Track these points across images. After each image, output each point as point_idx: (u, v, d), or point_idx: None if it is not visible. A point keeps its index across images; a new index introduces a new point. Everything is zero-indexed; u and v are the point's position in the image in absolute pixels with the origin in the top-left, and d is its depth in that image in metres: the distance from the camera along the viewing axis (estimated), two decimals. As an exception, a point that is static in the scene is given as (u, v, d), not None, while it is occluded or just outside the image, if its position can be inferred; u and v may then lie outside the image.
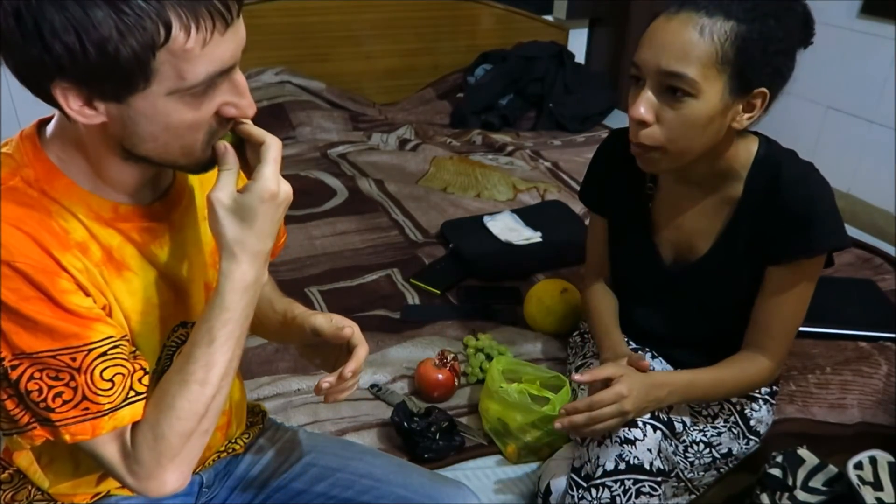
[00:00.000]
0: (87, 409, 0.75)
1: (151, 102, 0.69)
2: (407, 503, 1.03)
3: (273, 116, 2.69)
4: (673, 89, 1.01)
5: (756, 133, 1.16)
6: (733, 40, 0.98)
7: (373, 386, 1.42)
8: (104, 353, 0.74)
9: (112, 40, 0.63)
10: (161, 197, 0.84)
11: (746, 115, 1.05)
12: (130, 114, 0.69)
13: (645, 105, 1.03)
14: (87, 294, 0.74)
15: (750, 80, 1.02)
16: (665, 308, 1.30)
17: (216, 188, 0.76)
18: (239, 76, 0.74)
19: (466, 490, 1.09)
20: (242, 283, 0.77)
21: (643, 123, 1.04)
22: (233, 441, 1.07)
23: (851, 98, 2.74)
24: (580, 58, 3.30)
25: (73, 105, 0.68)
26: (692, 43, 0.98)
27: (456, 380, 1.40)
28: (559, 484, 1.17)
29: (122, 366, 0.76)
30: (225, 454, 1.06)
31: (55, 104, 0.69)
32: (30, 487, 0.91)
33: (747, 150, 1.13)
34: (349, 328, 0.94)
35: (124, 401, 0.77)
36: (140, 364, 0.79)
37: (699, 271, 1.22)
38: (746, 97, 1.04)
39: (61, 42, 0.62)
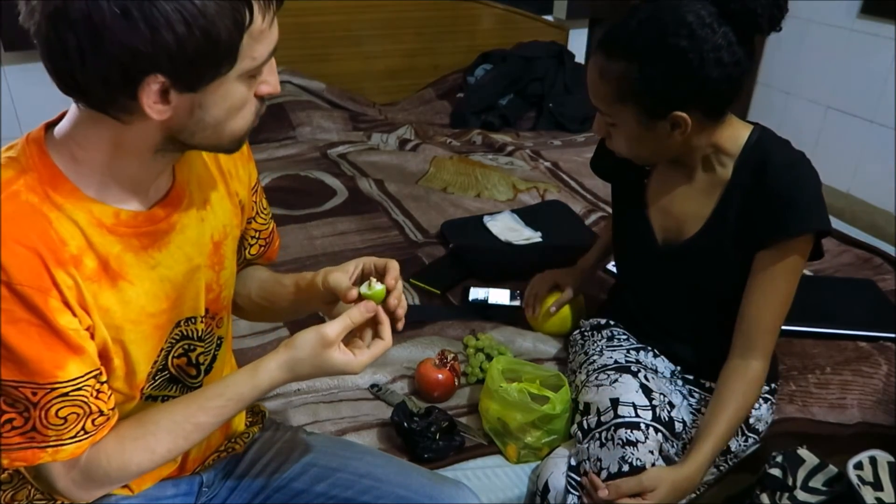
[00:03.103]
0: (32, 438, 0.76)
1: (225, 86, 0.72)
2: (407, 503, 1.03)
3: (273, 116, 2.69)
4: (603, 118, 1.14)
5: (753, 122, 1.18)
6: (625, 80, 1.06)
7: (373, 386, 1.42)
8: (65, 394, 0.75)
9: (215, 24, 0.65)
10: (161, 200, 0.84)
11: (678, 132, 1.10)
12: (203, 101, 0.72)
13: (596, 126, 1.18)
14: (74, 314, 0.75)
15: (654, 109, 1.08)
16: (657, 290, 1.32)
17: (332, 324, 0.83)
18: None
19: (466, 490, 1.09)
20: (272, 389, 0.86)
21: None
22: (233, 441, 1.07)
23: (851, 98, 2.74)
24: (580, 58, 3.30)
25: (150, 102, 0.69)
26: (597, 84, 1.11)
27: (456, 380, 1.40)
28: (557, 481, 1.18)
29: (80, 406, 0.77)
30: (225, 454, 1.06)
31: (113, 107, 0.70)
32: (29, 487, 0.91)
33: (737, 137, 1.16)
34: (354, 289, 0.89)
35: (71, 438, 0.78)
36: (98, 405, 0.79)
37: (687, 253, 1.23)
38: (663, 120, 1.08)
39: (172, 31, 0.64)
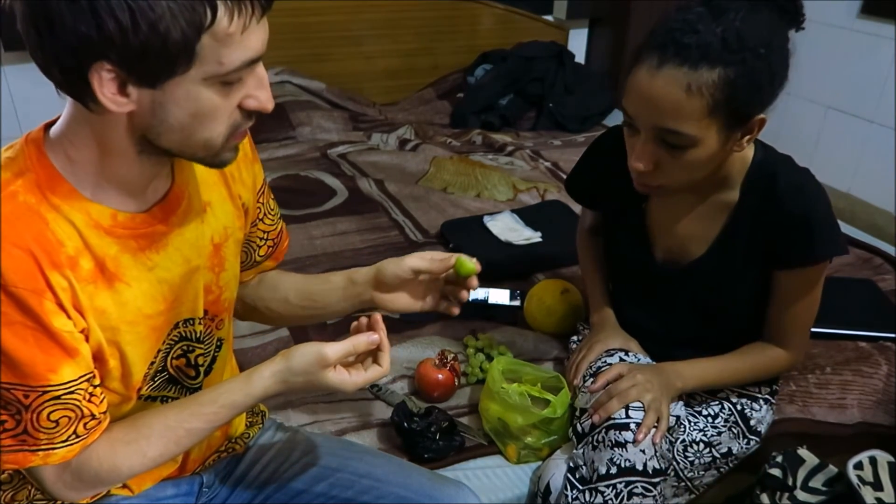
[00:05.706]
0: (24, 440, 0.76)
1: (186, 88, 0.70)
2: (407, 503, 1.03)
3: (273, 116, 2.67)
4: (671, 142, 1.02)
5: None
6: (721, 88, 0.96)
7: (373, 386, 1.42)
8: (57, 398, 0.75)
9: (164, 19, 0.64)
10: (160, 201, 0.84)
11: (746, 139, 1.06)
12: (163, 100, 0.70)
13: (644, 158, 1.04)
14: (69, 317, 0.75)
15: (745, 115, 1.02)
16: (658, 306, 1.31)
17: (333, 345, 0.84)
18: (261, 68, 0.75)
19: (466, 490, 1.09)
20: (265, 398, 0.87)
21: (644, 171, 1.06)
22: (233, 441, 1.07)
23: (851, 98, 2.73)
24: (580, 58, 3.30)
25: (107, 92, 0.68)
26: (682, 101, 0.97)
27: (456, 380, 1.40)
28: (558, 483, 1.18)
29: (72, 410, 0.77)
30: (225, 454, 1.06)
31: (80, 94, 0.70)
32: (30, 487, 0.91)
33: (743, 157, 1.13)
34: (447, 255, 1.05)
35: (63, 442, 0.78)
36: (91, 409, 0.79)
37: (692, 274, 1.22)
38: (740, 129, 1.04)
39: (115, 19, 0.63)
